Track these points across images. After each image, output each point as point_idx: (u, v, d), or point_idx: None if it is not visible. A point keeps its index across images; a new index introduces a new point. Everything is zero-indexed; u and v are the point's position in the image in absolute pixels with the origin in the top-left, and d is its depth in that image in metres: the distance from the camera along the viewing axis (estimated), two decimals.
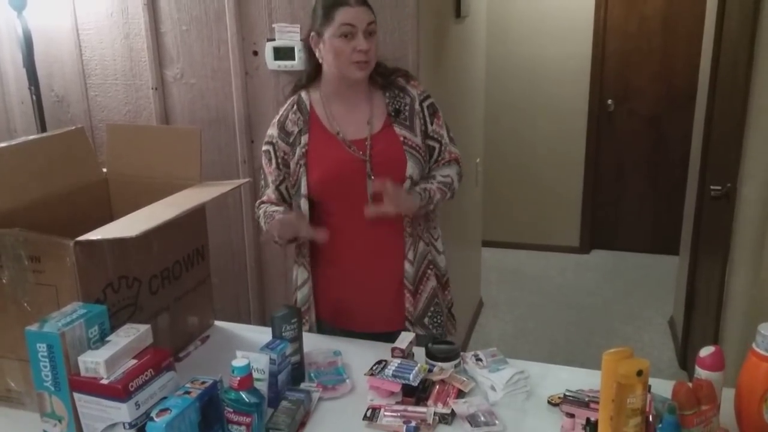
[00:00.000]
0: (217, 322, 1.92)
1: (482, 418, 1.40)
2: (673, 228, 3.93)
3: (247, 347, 1.45)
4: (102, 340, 1.29)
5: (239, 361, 1.28)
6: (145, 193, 1.71)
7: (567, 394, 1.39)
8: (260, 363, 1.42)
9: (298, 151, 1.76)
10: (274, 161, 1.81)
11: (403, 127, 1.77)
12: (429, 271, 1.85)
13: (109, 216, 1.91)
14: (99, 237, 1.36)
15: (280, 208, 1.80)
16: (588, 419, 1.35)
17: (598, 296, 4.12)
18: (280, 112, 1.83)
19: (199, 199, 1.63)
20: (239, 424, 1.28)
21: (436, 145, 1.83)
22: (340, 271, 1.84)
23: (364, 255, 1.81)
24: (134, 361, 1.26)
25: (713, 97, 2.70)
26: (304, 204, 1.77)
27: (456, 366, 1.58)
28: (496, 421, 1.40)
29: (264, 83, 2.46)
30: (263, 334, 1.75)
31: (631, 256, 4.70)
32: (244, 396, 1.27)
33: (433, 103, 1.83)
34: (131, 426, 1.20)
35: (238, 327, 1.92)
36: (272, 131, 1.81)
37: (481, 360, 1.59)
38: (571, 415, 1.37)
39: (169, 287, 1.68)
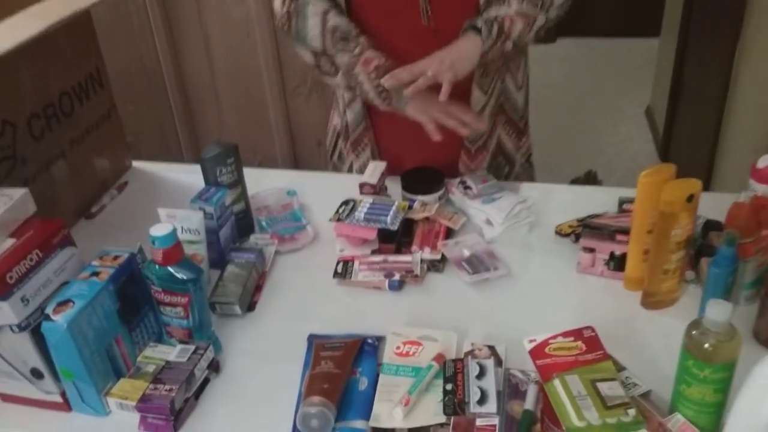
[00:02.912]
0: (136, 164, 1.54)
1: (482, 262, 1.13)
2: (651, 5, 3.53)
3: (178, 193, 1.11)
4: None
5: (159, 228, 0.94)
6: None
7: (585, 223, 1.12)
8: (191, 222, 1.09)
9: None
10: None
11: None
12: (499, 117, 1.36)
13: None
14: None
15: (348, 28, 1.23)
16: (612, 254, 1.09)
17: (569, 91, 3.80)
18: None
19: (75, 4, 1.18)
20: (173, 305, 0.97)
21: None
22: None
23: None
24: (11, 241, 0.91)
25: None
26: None
27: (440, 198, 1.28)
28: (498, 264, 1.13)
29: None
30: (198, 174, 1.40)
31: (602, 43, 4.31)
32: (173, 271, 0.95)
33: None
34: (21, 328, 0.88)
35: (163, 168, 1.55)
36: None
37: (470, 188, 1.28)
38: (591, 250, 1.10)
39: (59, 128, 1.28)
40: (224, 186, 1.19)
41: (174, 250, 0.95)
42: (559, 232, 1.21)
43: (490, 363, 0.90)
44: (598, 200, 1.27)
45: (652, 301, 1.03)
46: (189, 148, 2.28)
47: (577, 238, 1.18)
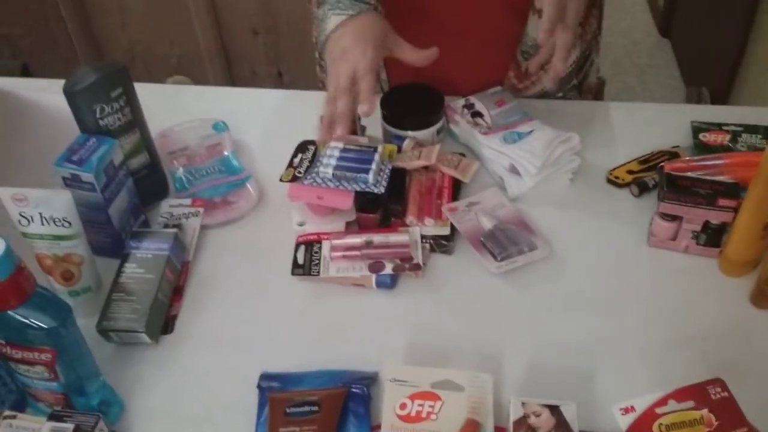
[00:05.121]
0: None
1: (512, 238, 0.76)
2: None
3: (53, 133, 0.70)
4: None
5: None
6: None
7: (668, 176, 0.74)
8: (55, 207, 0.67)
9: None
10: None
11: None
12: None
13: None
14: None
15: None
16: (707, 224, 0.73)
17: None
18: None
19: None
20: (30, 363, 0.59)
21: None
22: None
23: None
24: None
25: None
26: None
27: (439, 132, 0.88)
28: (536, 240, 0.76)
29: None
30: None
31: None
32: (19, 317, 0.55)
33: None
34: None
35: (26, 85, 1.08)
36: None
37: (480, 115, 0.89)
38: (673, 218, 0.74)
39: None
40: (110, 134, 0.76)
41: (12, 285, 0.54)
42: (613, 181, 0.84)
43: None
44: (657, 125, 0.91)
45: None
46: (83, 43, 1.76)
47: (641, 190, 0.82)
